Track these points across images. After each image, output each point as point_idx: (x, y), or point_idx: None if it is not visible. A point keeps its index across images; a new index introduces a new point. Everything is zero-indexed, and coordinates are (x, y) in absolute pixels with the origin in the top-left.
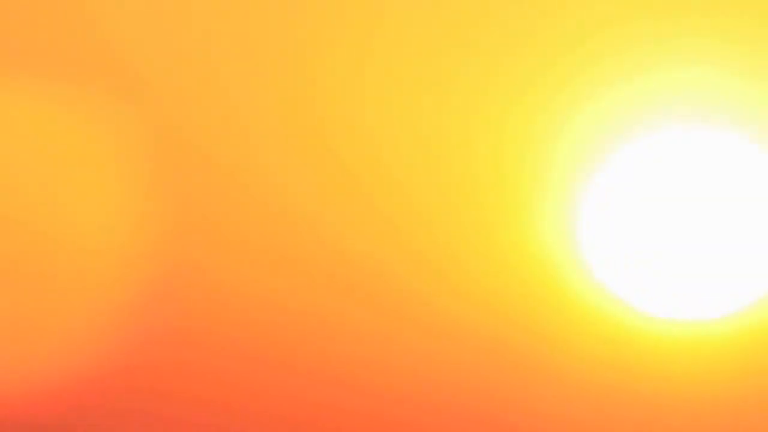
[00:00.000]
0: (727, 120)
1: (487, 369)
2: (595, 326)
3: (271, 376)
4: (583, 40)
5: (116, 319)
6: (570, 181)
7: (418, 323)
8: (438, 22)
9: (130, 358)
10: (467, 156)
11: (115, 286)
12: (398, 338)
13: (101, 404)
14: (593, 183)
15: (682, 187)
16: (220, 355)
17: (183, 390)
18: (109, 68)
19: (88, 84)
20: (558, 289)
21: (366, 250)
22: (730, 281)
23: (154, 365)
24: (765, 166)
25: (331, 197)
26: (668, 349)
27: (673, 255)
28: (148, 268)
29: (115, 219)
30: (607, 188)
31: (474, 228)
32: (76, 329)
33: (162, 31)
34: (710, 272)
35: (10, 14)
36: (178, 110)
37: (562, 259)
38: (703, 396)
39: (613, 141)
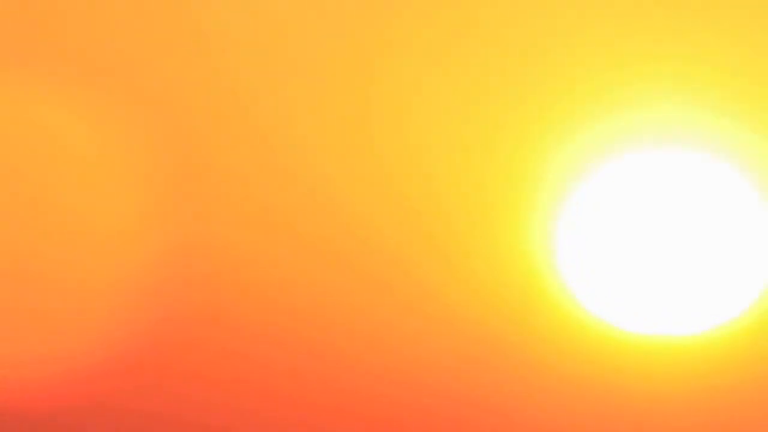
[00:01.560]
0: (702, 143)
1: (470, 357)
2: (570, 336)
3: (289, 356)
4: (571, 77)
5: (135, 302)
6: (555, 200)
7: (417, 309)
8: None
9: (150, 338)
10: (469, 182)
11: (138, 266)
12: (397, 319)
13: (123, 386)
14: (576, 201)
15: (660, 207)
16: (239, 334)
17: (203, 370)
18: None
19: (107, 79)
20: (539, 299)
21: (384, 242)
22: (704, 299)
23: (173, 345)
24: (740, 188)
25: (355, 188)
26: (641, 363)
27: (650, 272)
28: (170, 248)
29: (138, 201)
30: (589, 207)
31: (471, 239)
32: (96, 312)
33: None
34: (685, 290)
35: (16, 15)
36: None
37: (545, 271)
38: (671, 410)
39: (595, 163)
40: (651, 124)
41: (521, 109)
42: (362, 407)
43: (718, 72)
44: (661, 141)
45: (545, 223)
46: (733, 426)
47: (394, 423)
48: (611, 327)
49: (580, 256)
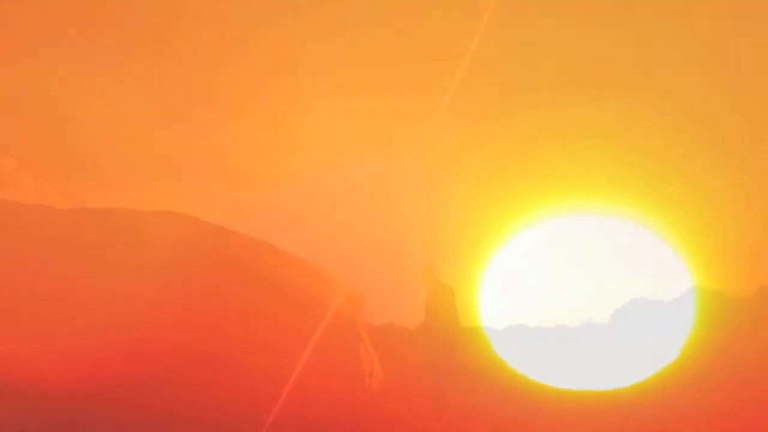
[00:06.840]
0: (616, 213)
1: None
2: (492, 387)
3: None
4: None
5: None
6: (482, 263)
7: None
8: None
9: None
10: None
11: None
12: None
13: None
14: (501, 264)
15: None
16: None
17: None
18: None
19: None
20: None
21: None
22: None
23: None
24: (655, 252)
25: None
26: (562, 415)
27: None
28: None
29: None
30: (511, 268)
31: None
32: None
33: None
34: (600, 347)
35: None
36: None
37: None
38: None
39: (515, 230)
40: (566, 197)
41: (455, 182)
42: None
43: (631, 151)
44: (576, 211)
45: (471, 282)
46: None
47: None
48: (532, 380)
49: (503, 311)
